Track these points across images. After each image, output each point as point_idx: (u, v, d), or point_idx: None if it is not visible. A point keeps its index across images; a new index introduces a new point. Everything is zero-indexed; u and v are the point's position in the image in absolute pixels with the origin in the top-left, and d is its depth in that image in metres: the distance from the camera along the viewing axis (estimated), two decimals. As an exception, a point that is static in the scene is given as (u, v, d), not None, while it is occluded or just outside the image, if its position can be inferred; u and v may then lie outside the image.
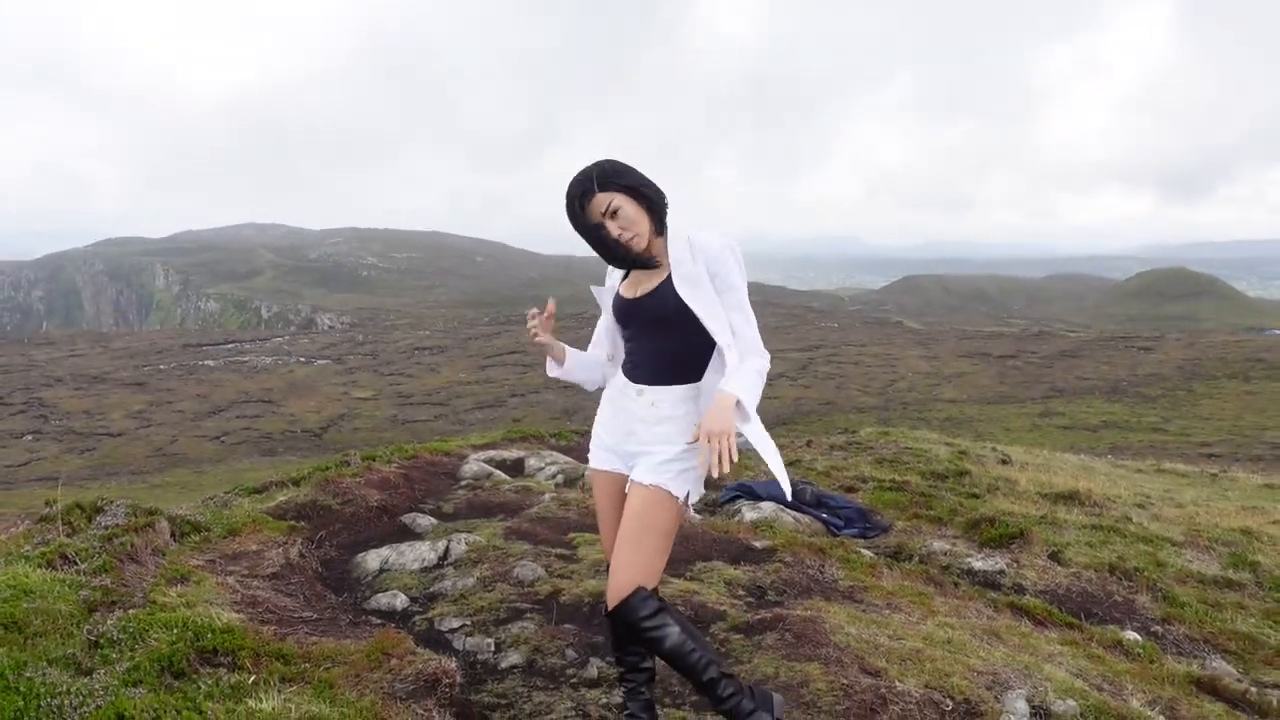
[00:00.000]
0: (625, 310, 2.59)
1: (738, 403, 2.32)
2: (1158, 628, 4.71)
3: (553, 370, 2.74)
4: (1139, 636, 4.37)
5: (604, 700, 3.12)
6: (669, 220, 2.54)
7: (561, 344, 2.70)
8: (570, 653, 3.49)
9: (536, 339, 2.63)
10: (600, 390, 2.79)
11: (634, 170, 2.48)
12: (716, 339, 2.43)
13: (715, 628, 3.73)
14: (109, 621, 3.06)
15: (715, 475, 2.27)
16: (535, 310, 2.63)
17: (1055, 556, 5.72)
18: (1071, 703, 3.21)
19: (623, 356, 2.69)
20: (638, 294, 2.55)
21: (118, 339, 75.93)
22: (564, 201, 2.46)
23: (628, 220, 2.44)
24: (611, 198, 2.43)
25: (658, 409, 2.53)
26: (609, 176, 2.44)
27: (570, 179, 2.47)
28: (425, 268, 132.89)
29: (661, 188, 2.51)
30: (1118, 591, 5.18)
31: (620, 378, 2.66)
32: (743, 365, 2.42)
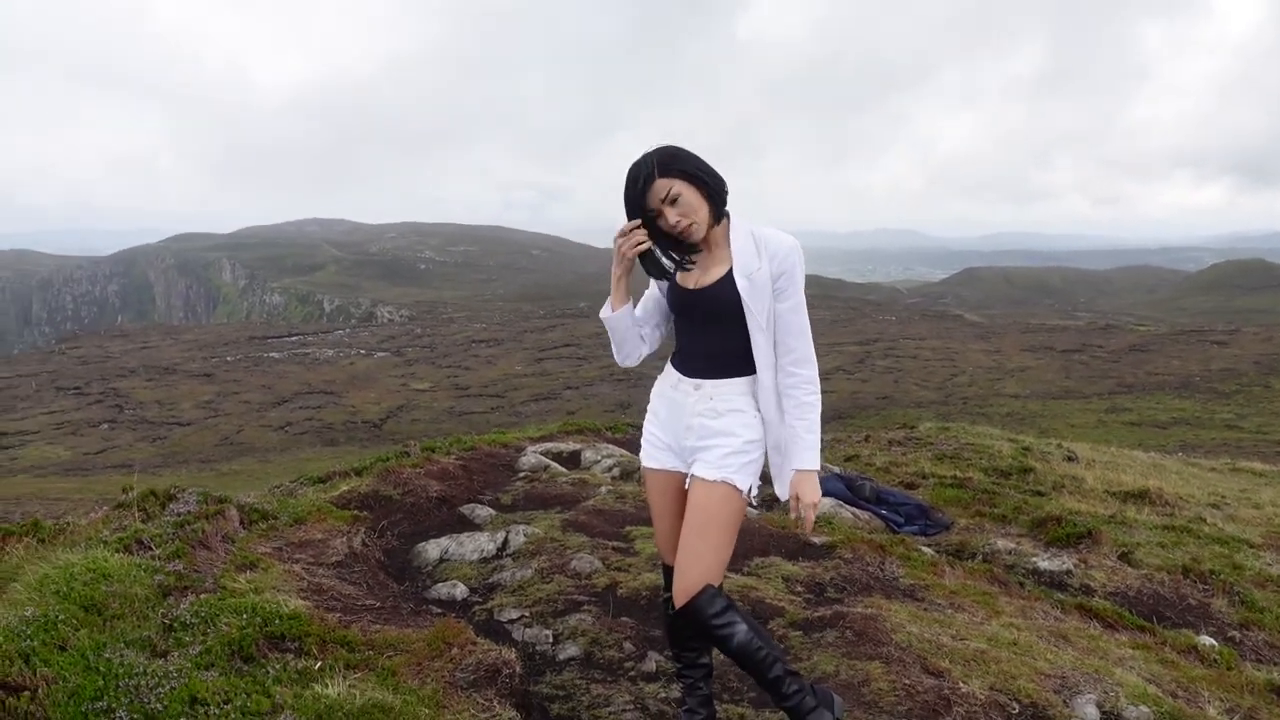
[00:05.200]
0: (683, 301, 2.53)
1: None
2: (1235, 633, 4.54)
3: (605, 312, 2.60)
4: (1215, 642, 4.21)
5: (662, 694, 3.12)
6: (729, 211, 2.50)
7: (628, 292, 2.59)
8: (628, 646, 3.49)
9: (627, 256, 2.43)
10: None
11: (693, 155, 2.41)
12: (755, 351, 2.44)
13: (774, 624, 3.69)
14: (182, 606, 3.16)
15: (804, 532, 2.51)
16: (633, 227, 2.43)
17: (1125, 557, 5.55)
18: (1144, 709, 3.11)
19: (654, 338, 2.65)
20: (697, 285, 2.51)
21: (187, 332, 78.44)
22: (624, 187, 2.40)
23: (687, 207, 2.38)
24: (671, 184, 2.37)
25: (716, 403, 2.50)
26: (669, 162, 2.38)
27: (630, 165, 2.41)
28: (482, 261, 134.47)
29: (720, 174, 2.46)
30: (1192, 595, 5.01)
31: (672, 373, 2.61)
32: (797, 423, 2.46)
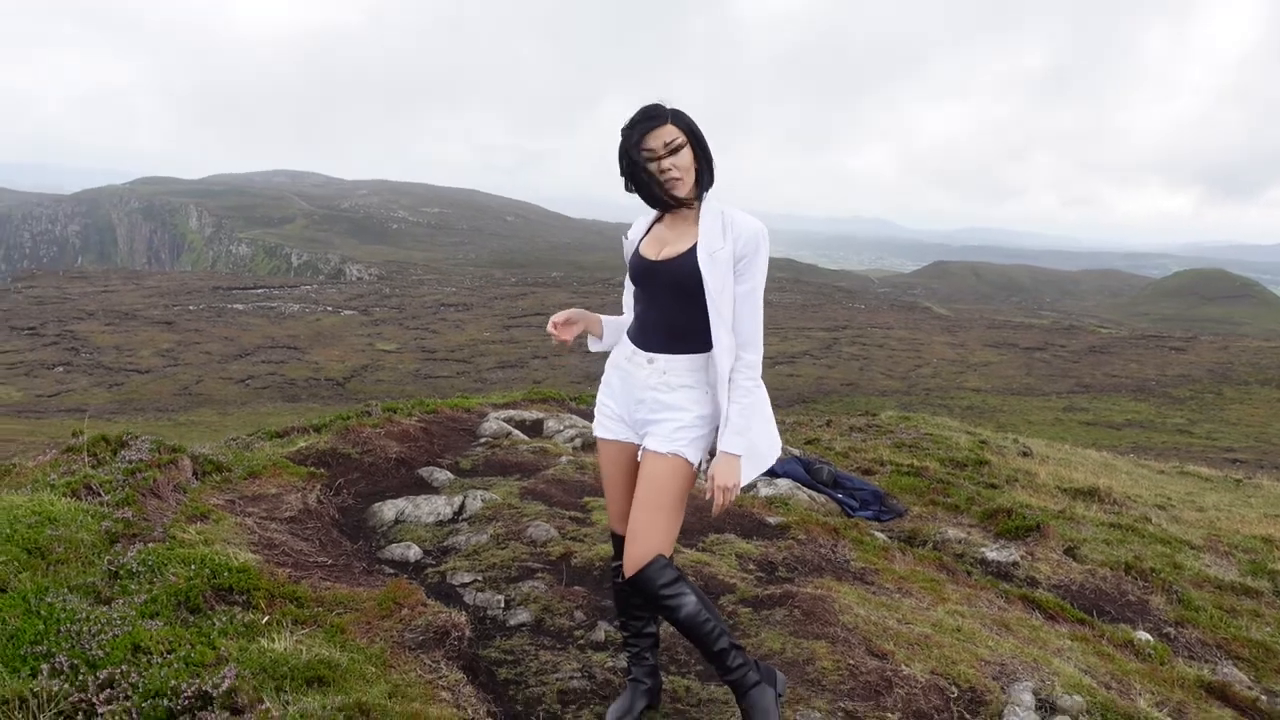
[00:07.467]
0: (644, 270, 2.54)
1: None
2: (1170, 630, 4.67)
3: (594, 346, 2.73)
4: (1151, 637, 4.33)
5: (610, 663, 3.14)
6: (707, 193, 2.51)
7: (593, 317, 2.65)
8: (579, 615, 3.51)
9: (562, 343, 2.62)
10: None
11: (699, 128, 2.49)
12: (713, 330, 2.43)
13: (724, 600, 3.74)
14: (129, 553, 3.12)
15: (715, 515, 2.50)
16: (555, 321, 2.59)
17: (1071, 552, 5.68)
18: (1078, 698, 3.19)
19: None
20: (660, 256, 2.51)
21: (150, 278, 76.86)
22: (632, 119, 2.42)
23: (684, 164, 2.43)
24: (680, 135, 2.42)
25: (669, 378, 2.51)
26: (684, 117, 2.45)
27: (643, 105, 2.45)
28: (455, 224, 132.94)
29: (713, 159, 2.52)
30: (1132, 591, 5.14)
31: (628, 344, 2.61)
32: (730, 405, 2.45)
